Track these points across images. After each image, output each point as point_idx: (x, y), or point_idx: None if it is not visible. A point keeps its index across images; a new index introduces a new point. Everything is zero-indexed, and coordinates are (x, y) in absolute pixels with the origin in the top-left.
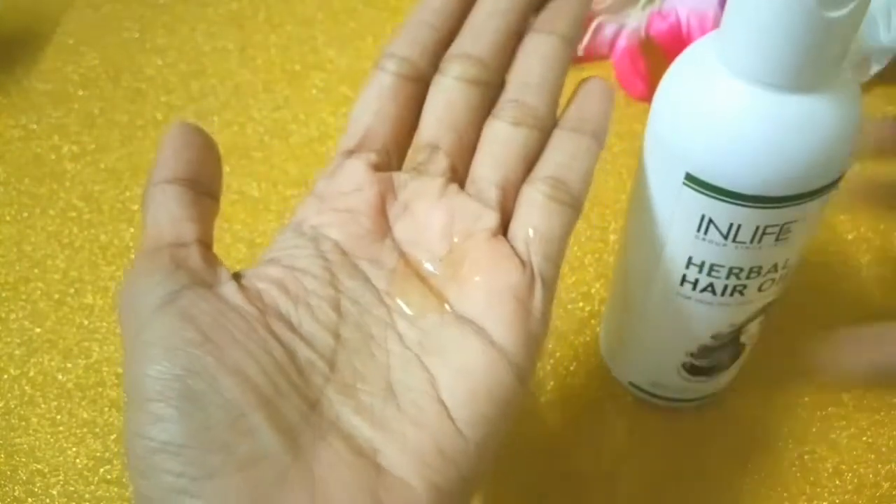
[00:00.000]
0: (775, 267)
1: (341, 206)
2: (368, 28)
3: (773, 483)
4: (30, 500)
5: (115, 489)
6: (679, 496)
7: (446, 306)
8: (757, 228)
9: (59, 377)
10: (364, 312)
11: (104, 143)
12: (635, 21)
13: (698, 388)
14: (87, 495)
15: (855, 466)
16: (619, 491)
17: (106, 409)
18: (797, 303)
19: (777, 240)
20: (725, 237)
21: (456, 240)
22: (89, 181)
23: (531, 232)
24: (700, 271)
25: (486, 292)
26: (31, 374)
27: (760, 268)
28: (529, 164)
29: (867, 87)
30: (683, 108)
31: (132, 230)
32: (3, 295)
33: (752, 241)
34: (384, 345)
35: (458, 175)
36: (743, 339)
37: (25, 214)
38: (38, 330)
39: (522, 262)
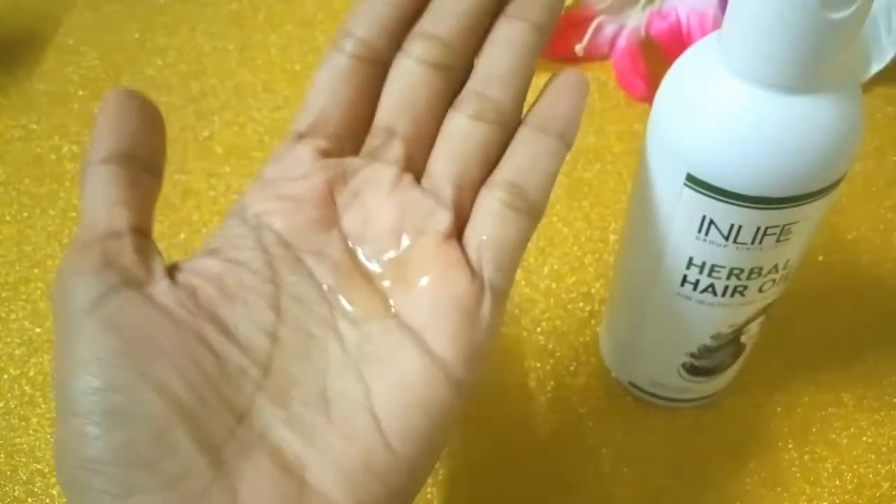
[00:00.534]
0: (776, 268)
1: (286, 193)
2: None
3: (773, 483)
4: (30, 500)
5: None
6: (679, 496)
7: (390, 310)
8: (758, 229)
9: None
10: (305, 311)
11: None
12: (635, 21)
13: (698, 388)
14: None
15: (855, 466)
16: (619, 491)
17: None
18: (797, 303)
19: (778, 241)
20: (726, 238)
21: (405, 237)
22: None
23: (484, 239)
24: (701, 272)
25: (430, 300)
26: (31, 374)
27: (761, 269)
28: (490, 162)
29: (867, 87)
30: (685, 108)
31: None
32: (3, 295)
33: (752, 242)
34: (323, 346)
35: (415, 164)
36: (743, 339)
37: (25, 214)
38: (38, 330)
39: (472, 271)
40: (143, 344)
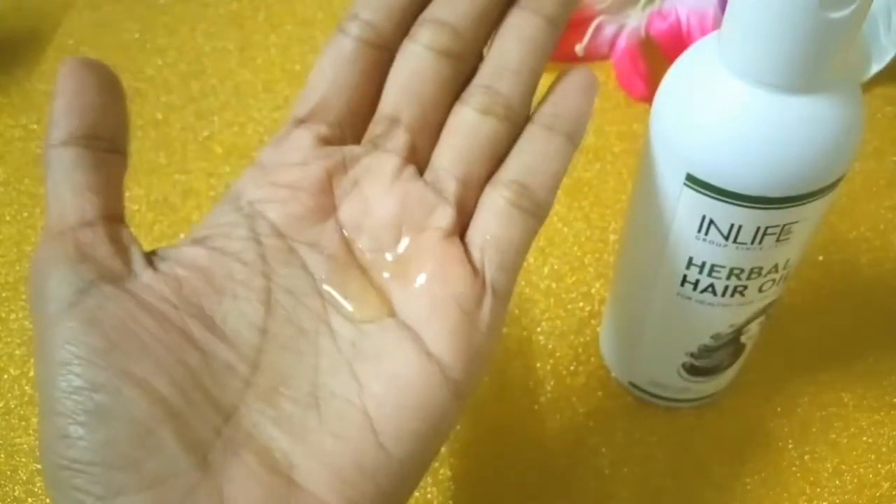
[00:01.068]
0: (776, 267)
1: (282, 180)
2: None
3: (773, 483)
4: (30, 500)
5: None
6: (679, 496)
7: (387, 306)
8: (758, 229)
9: None
10: (297, 304)
11: None
12: (635, 21)
13: (698, 388)
14: None
15: (855, 466)
16: (619, 491)
17: None
18: (797, 303)
19: (778, 240)
20: (726, 238)
21: (405, 232)
22: None
23: (488, 238)
24: (701, 272)
25: (429, 298)
26: (31, 374)
27: (761, 268)
28: (496, 158)
29: (867, 87)
30: (684, 108)
31: (132, 230)
32: (4, 295)
33: (752, 242)
34: (314, 342)
35: (419, 156)
36: (743, 339)
37: (25, 214)
38: None
39: (474, 270)
40: (125, 341)
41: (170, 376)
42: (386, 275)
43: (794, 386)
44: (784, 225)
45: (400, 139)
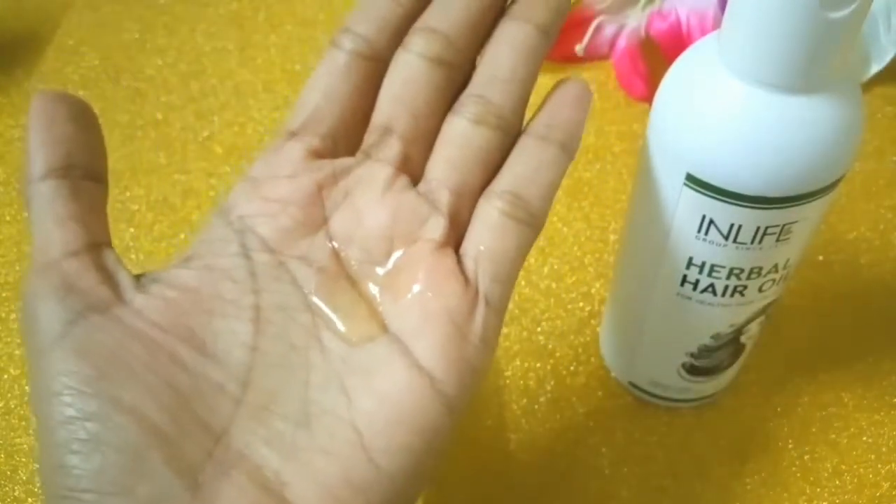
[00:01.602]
0: (776, 267)
1: (272, 194)
2: None
3: (773, 483)
4: (30, 500)
5: None
6: (679, 496)
7: (377, 319)
8: (758, 229)
9: None
10: (287, 320)
11: None
12: (635, 21)
13: (698, 388)
14: None
15: (855, 466)
16: (619, 491)
17: None
18: (797, 303)
19: (778, 240)
20: (726, 238)
21: (397, 243)
22: None
23: (482, 250)
24: (700, 272)
25: (420, 310)
26: None
27: (761, 268)
28: (490, 168)
29: (867, 87)
30: (684, 108)
31: (132, 230)
32: (4, 295)
33: (752, 242)
34: (305, 357)
35: (412, 166)
36: (743, 339)
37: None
38: None
39: (467, 282)
40: (114, 369)
41: (159, 402)
42: (377, 287)
43: (794, 386)
44: (784, 225)
45: (393, 149)
